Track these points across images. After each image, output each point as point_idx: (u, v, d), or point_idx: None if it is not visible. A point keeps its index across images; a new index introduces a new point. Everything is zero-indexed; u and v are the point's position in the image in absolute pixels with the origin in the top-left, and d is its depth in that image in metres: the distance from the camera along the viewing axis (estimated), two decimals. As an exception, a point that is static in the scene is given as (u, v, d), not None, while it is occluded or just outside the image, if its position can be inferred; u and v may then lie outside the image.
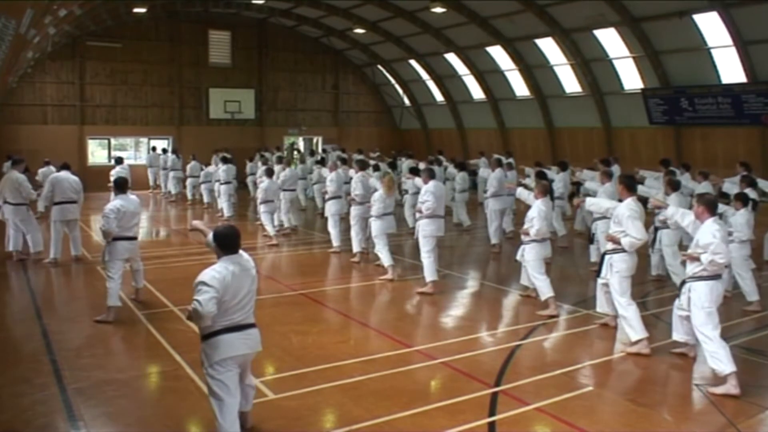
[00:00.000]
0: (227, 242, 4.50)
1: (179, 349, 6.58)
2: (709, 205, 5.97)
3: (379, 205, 10.02)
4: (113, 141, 25.58)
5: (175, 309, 8.04)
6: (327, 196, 12.58)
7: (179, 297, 8.33)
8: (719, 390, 5.59)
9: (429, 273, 9.13)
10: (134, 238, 8.15)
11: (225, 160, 17.03)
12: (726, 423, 5.08)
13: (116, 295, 7.66)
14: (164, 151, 23.05)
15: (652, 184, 10.31)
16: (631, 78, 19.80)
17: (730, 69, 17.06)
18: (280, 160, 16.85)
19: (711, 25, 16.58)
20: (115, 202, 7.79)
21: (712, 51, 17.27)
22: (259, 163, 18.89)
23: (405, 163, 18.57)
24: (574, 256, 12.25)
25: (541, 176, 11.26)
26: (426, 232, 9.15)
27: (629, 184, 6.91)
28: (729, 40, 16.36)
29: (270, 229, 12.93)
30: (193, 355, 6.30)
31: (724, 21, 15.96)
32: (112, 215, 7.59)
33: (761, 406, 5.39)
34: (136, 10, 22.13)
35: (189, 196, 20.13)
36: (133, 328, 7.50)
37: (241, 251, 4.58)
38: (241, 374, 4.59)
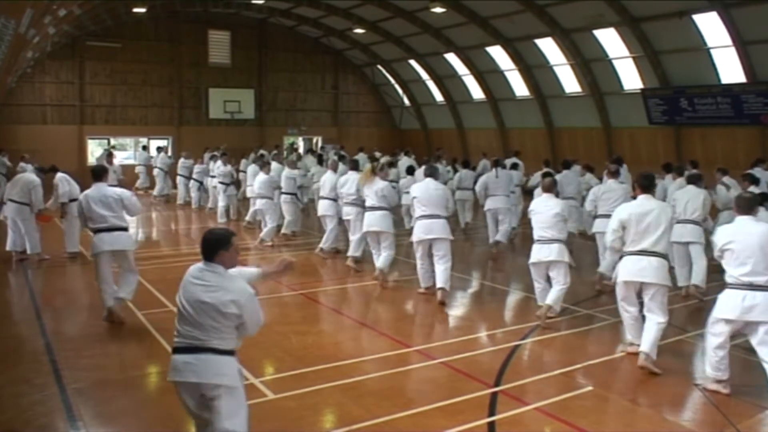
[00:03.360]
0: (202, 247, 3.91)
1: (179, 349, 6.57)
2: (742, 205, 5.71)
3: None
4: (113, 141, 25.57)
5: (175, 309, 8.02)
6: (319, 195, 12.25)
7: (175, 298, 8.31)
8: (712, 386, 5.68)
9: (421, 280, 9.07)
10: (116, 229, 7.50)
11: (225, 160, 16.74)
12: (725, 423, 5.08)
13: (109, 297, 7.52)
14: (159, 150, 22.72)
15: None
16: (630, 78, 19.80)
17: (730, 69, 17.05)
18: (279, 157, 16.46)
19: (711, 25, 16.57)
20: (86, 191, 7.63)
21: (712, 51, 17.27)
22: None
23: (402, 160, 18.34)
24: (573, 256, 12.22)
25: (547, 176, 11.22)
26: (414, 236, 8.85)
27: (643, 184, 6.58)
28: (729, 40, 16.35)
29: (268, 232, 12.70)
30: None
31: (724, 21, 15.95)
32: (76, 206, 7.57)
33: (761, 406, 5.40)
34: (135, 10, 22.14)
35: (180, 197, 19.73)
36: (133, 329, 7.49)
37: (213, 262, 3.86)
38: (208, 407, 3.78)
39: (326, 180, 11.79)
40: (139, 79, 25.27)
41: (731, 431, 4.97)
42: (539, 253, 7.72)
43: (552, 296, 7.67)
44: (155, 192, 20.90)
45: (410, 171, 14.44)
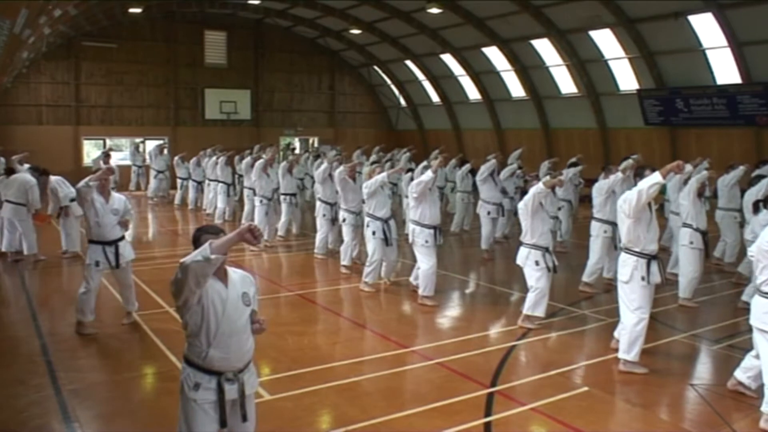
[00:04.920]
0: None
1: (175, 350, 6.56)
2: None
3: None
4: (108, 141, 25.50)
5: (171, 310, 8.02)
6: (318, 196, 11.99)
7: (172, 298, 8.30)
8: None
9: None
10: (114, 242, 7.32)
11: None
12: (721, 423, 5.10)
13: (84, 308, 7.18)
14: (161, 150, 22.43)
15: None
16: (626, 79, 19.85)
17: (725, 70, 17.11)
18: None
19: (706, 26, 16.62)
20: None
21: (707, 52, 17.33)
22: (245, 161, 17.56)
23: (404, 157, 18.14)
24: (569, 257, 12.26)
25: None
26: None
27: None
28: (724, 41, 16.41)
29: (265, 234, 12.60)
30: (188, 356, 6.29)
31: (719, 22, 16.00)
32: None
33: (755, 406, 5.41)
34: (131, 10, 22.09)
35: (178, 197, 19.57)
36: (129, 330, 7.48)
37: None
38: None
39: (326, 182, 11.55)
40: (135, 79, 25.21)
41: (726, 431, 4.99)
42: None
43: (525, 302, 7.63)
44: (149, 192, 20.82)
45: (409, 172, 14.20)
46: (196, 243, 3.55)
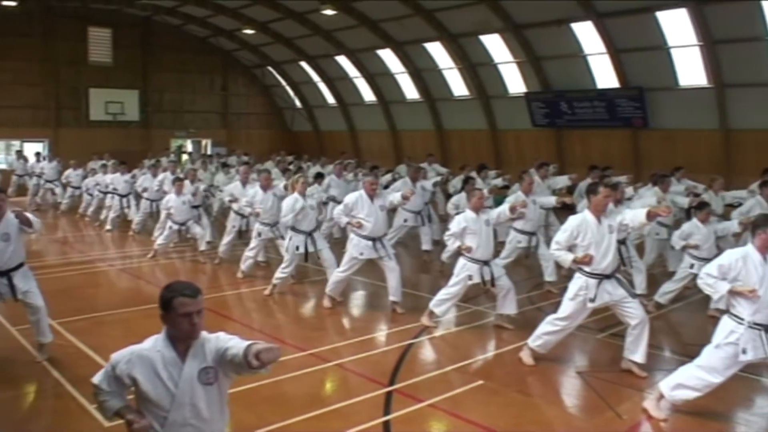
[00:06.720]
0: None
1: (59, 365, 6.17)
2: None
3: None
4: (-20, 145, 23.66)
5: (54, 322, 7.52)
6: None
7: (59, 309, 7.81)
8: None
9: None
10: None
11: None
12: (606, 407, 5.39)
13: None
14: (51, 159, 20.77)
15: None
16: (514, 82, 20.63)
17: (605, 75, 18.16)
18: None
19: (587, 34, 17.56)
20: None
21: (588, 58, 18.31)
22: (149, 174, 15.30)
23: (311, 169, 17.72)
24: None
25: (467, 181, 11.35)
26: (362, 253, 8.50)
27: None
28: (603, 48, 17.42)
29: (159, 241, 11.78)
30: (74, 372, 5.94)
31: (599, 30, 16.96)
32: None
33: (637, 389, 5.77)
34: (5, 3, 20.55)
35: (63, 205, 18.33)
36: (6, 345, 6.94)
37: None
38: None
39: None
40: (9, 77, 23.39)
41: (611, 414, 5.28)
42: None
43: (435, 297, 7.71)
44: (37, 200, 19.55)
45: (319, 177, 13.63)
46: (167, 307, 2.95)
